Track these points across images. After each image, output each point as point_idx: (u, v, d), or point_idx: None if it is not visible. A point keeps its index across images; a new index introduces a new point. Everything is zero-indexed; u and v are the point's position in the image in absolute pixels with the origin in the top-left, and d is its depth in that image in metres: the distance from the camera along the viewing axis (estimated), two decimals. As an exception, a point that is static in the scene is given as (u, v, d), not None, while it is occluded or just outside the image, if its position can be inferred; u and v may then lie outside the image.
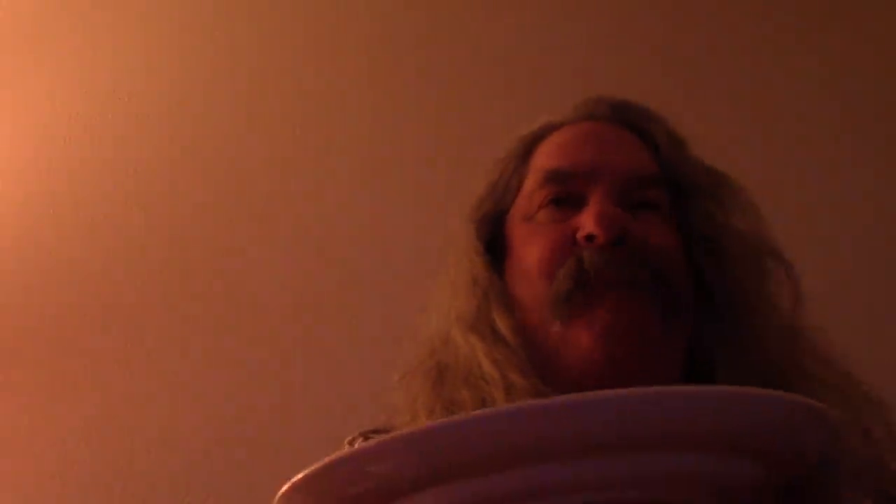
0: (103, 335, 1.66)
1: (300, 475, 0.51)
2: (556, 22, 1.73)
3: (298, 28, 1.81)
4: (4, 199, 1.75)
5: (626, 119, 0.87)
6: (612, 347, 0.74)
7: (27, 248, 1.72)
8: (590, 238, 0.77)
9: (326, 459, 0.50)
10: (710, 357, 0.79)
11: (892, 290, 1.55)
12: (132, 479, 1.57)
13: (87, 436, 1.60)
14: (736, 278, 0.80)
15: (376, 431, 0.83)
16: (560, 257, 0.78)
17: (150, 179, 1.74)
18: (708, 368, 0.78)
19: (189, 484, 1.56)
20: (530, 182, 0.84)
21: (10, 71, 1.82)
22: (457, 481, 0.48)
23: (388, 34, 1.78)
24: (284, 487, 0.52)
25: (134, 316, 1.67)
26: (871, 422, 0.75)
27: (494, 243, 0.85)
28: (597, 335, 0.74)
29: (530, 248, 0.81)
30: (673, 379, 0.77)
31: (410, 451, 0.48)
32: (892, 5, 1.70)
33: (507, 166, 0.88)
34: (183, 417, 1.59)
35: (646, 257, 0.77)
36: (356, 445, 0.57)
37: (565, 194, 0.81)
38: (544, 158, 0.85)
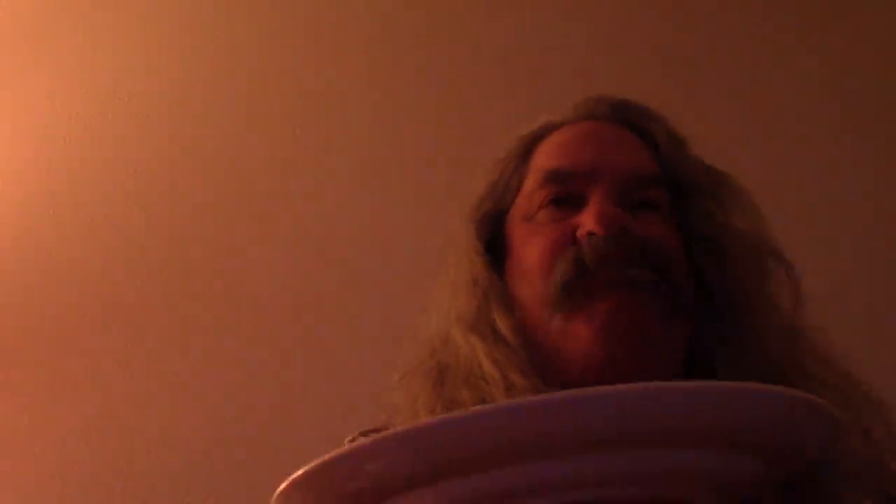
0: (103, 335, 1.66)
1: (299, 472, 0.51)
2: (556, 22, 1.73)
3: (298, 28, 1.81)
4: (4, 199, 1.75)
5: (627, 118, 0.87)
6: (612, 347, 0.74)
7: (27, 248, 1.72)
8: (590, 236, 0.77)
9: (326, 456, 0.50)
10: (710, 357, 0.78)
11: (892, 290, 1.55)
12: (132, 479, 1.57)
13: (87, 436, 1.60)
14: (736, 278, 0.80)
15: (377, 431, 0.82)
16: (560, 256, 0.78)
17: (150, 179, 1.74)
18: (708, 368, 0.78)
19: (189, 484, 1.56)
20: (530, 182, 0.84)
21: (10, 71, 1.82)
22: (456, 478, 0.48)
23: (388, 34, 1.78)
24: (283, 485, 0.52)
25: (134, 316, 1.67)
26: (871, 422, 0.75)
27: (494, 243, 0.85)
28: (597, 329, 0.74)
29: (530, 248, 0.80)
30: (673, 379, 0.76)
31: (408, 447, 0.48)
32: (892, 5, 1.70)
33: (507, 166, 0.88)
34: (183, 417, 1.59)
35: (646, 256, 0.76)
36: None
37: (565, 194, 0.81)
38: (544, 158, 0.85)
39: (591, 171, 0.81)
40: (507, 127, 0.90)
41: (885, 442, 0.75)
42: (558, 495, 0.49)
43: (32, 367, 1.65)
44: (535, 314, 0.78)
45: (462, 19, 1.77)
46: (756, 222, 0.84)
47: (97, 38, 1.82)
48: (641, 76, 1.63)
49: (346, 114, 1.74)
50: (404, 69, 1.75)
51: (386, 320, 1.55)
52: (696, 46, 1.71)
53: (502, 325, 0.79)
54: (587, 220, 0.78)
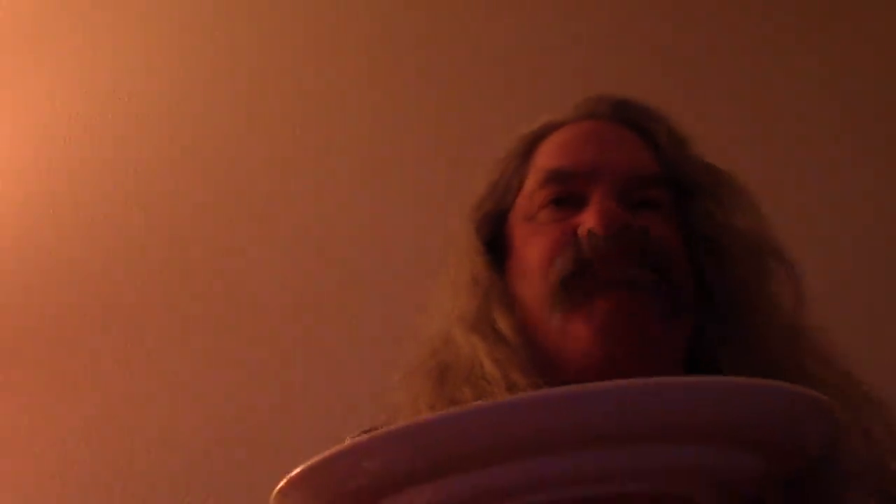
0: (103, 335, 1.66)
1: (297, 470, 0.51)
2: (556, 22, 1.73)
3: (298, 28, 1.81)
4: (4, 199, 1.75)
5: (628, 118, 0.87)
6: (611, 347, 0.74)
7: (27, 248, 1.72)
8: (590, 235, 0.77)
9: (323, 454, 0.50)
10: (711, 357, 0.78)
11: (892, 290, 1.55)
12: (132, 479, 1.57)
13: (87, 436, 1.60)
14: (737, 278, 0.80)
15: (377, 430, 0.82)
16: (560, 255, 0.78)
17: (150, 179, 1.74)
18: (708, 368, 0.78)
19: (189, 484, 1.56)
20: (531, 182, 0.84)
21: (10, 71, 1.82)
22: (456, 474, 0.48)
23: (388, 34, 1.78)
24: (282, 483, 0.52)
25: (134, 316, 1.67)
26: (871, 422, 0.75)
27: (495, 243, 0.85)
28: (596, 329, 0.74)
29: (531, 248, 0.80)
30: (673, 378, 0.76)
31: (407, 443, 0.48)
32: (892, 5, 1.70)
33: (508, 166, 0.88)
34: (183, 417, 1.59)
35: (646, 255, 0.76)
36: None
37: (566, 194, 0.81)
38: (545, 158, 0.85)
39: (592, 171, 0.81)
40: (507, 127, 0.90)
41: (885, 442, 0.75)
42: (558, 491, 0.49)
43: (32, 367, 1.65)
44: (535, 314, 0.78)
45: (462, 19, 1.77)
46: (757, 222, 0.83)
47: (97, 38, 1.82)
48: (641, 76, 1.63)
49: (346, 114, 1.74)
50: (404, 69, 1.75)
51: (386, 320, 1.55)
52: (696, 46, 1.71)
53: (503, 324, 0.78)
54: (588, 219, 0.77)
